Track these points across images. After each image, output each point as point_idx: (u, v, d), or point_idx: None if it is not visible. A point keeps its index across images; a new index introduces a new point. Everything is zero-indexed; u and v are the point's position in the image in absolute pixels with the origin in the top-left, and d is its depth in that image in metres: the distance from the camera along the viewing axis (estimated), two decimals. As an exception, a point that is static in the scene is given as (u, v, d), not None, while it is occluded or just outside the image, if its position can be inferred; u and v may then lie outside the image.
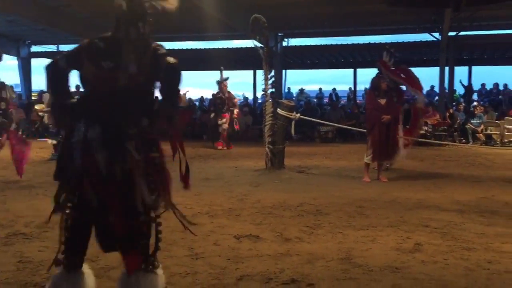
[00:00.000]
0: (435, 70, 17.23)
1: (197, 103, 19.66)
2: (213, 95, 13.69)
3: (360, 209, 5.08)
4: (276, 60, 18.09)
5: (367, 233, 4.12)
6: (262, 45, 8.21)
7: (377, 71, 7.39)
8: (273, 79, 8.21)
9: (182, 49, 19.18)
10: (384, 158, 7.11)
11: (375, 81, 7.20)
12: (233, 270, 3.21)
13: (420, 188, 6.40)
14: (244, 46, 18.66)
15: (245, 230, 4.15)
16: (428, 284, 2.98)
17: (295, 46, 19.73)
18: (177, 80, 2.37)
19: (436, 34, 16.48)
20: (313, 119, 10.40)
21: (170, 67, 2.33)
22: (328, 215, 4.79)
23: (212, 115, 12.44)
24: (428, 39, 17.11)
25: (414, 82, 7.33)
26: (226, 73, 12.20)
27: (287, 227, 4.32)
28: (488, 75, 21.65)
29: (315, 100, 20.70)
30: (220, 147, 11.81)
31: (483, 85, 19.98)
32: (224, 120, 11.95)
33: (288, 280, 3.03)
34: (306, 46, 20.08)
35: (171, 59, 2.33)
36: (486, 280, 3.05)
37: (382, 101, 7.03)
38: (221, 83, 12.08)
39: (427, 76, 20.29)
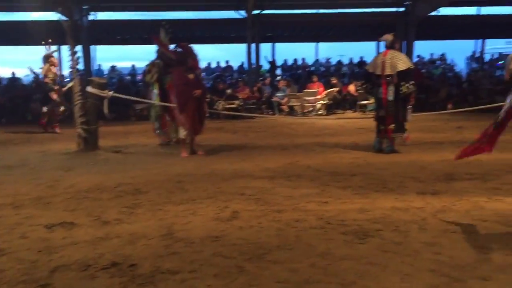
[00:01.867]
0: (243, 46, 18.21)
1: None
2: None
3: (179, 184, 5.12)
4: (82, 35, 16.94)
5: (187, 207, 4.18)
6: (66, 18, 7.57)
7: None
8: (79, 54, 7.65)
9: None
10: (198, 132, 7.22)
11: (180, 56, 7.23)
12: (46, 262, 2.95)
13: (235, 159, 6.73)
14: (46, 19, 16.97)
15: (57, 218, 3.84)
16: (246, 248, 3.16)
17: (104, 21, 18.70)
18: None
19: (243, 12, 17.31)
20: (127, 97, 10.05)
21: None
22: (148, 193, 4.72)
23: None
24: (236, 17, 17.88)
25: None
26: (23, 49, 10.69)
27: (105, 210, 4.13)
28: (289, 51, 23.61)
29: (128, 77, 20.05)
30: (58, 130, 10.51)
31: (285, 60, 21.76)
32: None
33: (108, 264, 2.90)
34: (115, 20, 19.18)
35: None
36: (295, 237, 3.36)
37: (191, 76, 7.05)
38: (50, 57, 10.49)
39: (239, 52, 21.27)
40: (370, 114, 10.95)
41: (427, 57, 22.25)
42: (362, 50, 25.04)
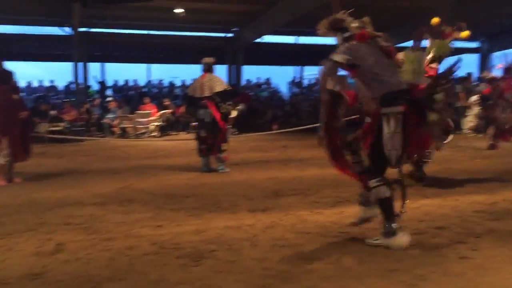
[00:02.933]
0: (70, 65, 17.12)
1: None
2: None
3: (-8, 217, 4.51)
4: None
5: (2, 243, 3.69)
6: None
7: None
8: None
9: None
10: (20, 158, 6.54)
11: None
12: None
13: (60, 186, 6.22)
14: None
15: None
16: (72, 283, 2.90)
17: None
18: None
19: (68, 29, 16.33)
20: None
21: None
22: (-49, 230, 4.06)
23: None
24: (60, 33, 16.77)
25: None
26: None
27: None
28: (120, 72, 22.92)
29: None
30: None
31: (116, 81, 21.07)
32: None
33: None
34: None
35: None
36: (127, 266, 3.20)
37: (16, 96, 6.44)
38: None
39: (63, 71, 19.93)
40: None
41: (254, 81, 23.65)
42: (195, 73, 25.52)
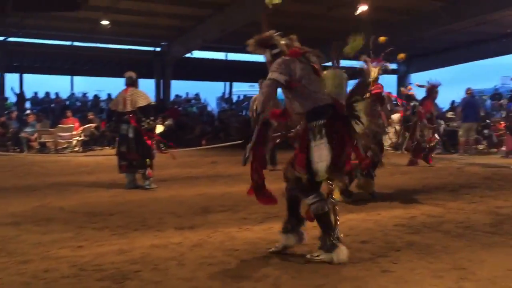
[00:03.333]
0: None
1: None
2: None
3: None
4: None
5: None
6: None
7: None
8: None
9: None
10: None
11: None
12: None
13: (-31, 205, 5.74)
14: None
15: None
16: (-21, 312, 2.66)
17: None
18: None
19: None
20: None
21: None
22: None
23: None
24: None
25: None
26: None
27: None
28: (40, 84, 21.84)
29: None
30: None
31: (35, 93, 20.04)
32: None
33: None
34: None
35: None
36: (43, 290, 2.98)
37: None
38: None
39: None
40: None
41: (183, 96, 23.47)
42: (121, 86, 24.88)
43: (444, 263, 3.47)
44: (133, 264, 3.48)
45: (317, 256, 3.50)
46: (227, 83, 25.28)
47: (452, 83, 16.03)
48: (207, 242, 4.08)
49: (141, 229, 4.56)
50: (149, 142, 7.02)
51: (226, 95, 25.32)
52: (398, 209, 5.51)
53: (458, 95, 16.63)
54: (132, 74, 7.25)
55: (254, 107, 3.75)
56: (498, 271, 3.28)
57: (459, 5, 14.19)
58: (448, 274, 3.21)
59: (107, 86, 22.85)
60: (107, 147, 14.51)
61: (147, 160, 7.01)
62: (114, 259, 3.58)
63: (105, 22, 15.53)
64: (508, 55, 19.65)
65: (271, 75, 3.49)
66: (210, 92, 25.00)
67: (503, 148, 12.83)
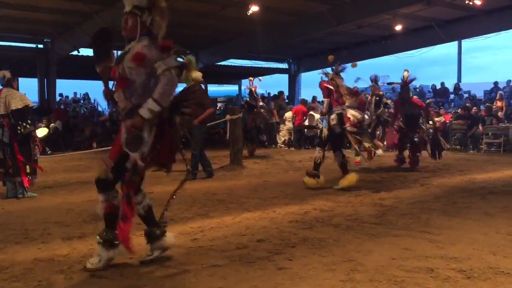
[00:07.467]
0: None
1: None
2: None
3: None
4: None
5: None
6: None
7: None
8: None
9: None
10: None
11: None
12: None
13: None
14: None
15: None
16: None
17: None
18: None
19: None
20: None
21: None
22: None
23: None
24: None
25: None
26: None
27: None
28: None
29: None
30: None
31: None
32: None
33: None
34: None
35: None
36: None
37: None
38: None
39: None
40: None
41: (71, 96, 22.17)
42: None
43: (336, 256, 3.62)
44: (14, 282, 3.17)
45: (151, 255, 3.60)
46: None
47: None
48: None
49: (23, 242, 4.18)
50: (28, 146, 6.43)
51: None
52: (293, 205, 5.67)
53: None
54: (5, 73, 6.50)
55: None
56: (384, 260, 3.50)
57: (343, 8, 15.05)
58: (340, 267, 3.35)
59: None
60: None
61: (27, 166, 6.42)
62: (-10, 279, 3.23)
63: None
64: (387, 56, 21.34)
65: (169, 63, 3.35)
66: (100, 92, 23.91)
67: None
